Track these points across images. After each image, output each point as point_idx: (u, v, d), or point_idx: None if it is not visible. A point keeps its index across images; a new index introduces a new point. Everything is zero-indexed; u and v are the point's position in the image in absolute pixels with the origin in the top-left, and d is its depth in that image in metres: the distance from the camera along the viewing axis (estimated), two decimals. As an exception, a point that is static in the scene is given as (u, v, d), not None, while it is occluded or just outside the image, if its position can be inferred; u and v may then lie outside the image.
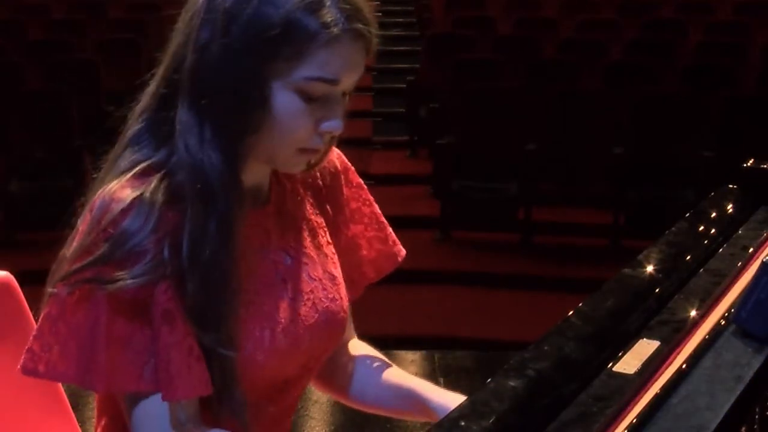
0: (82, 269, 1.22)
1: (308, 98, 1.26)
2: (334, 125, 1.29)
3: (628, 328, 1.15)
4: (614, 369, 1.05)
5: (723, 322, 1.19)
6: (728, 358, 1.11)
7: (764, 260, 1.14)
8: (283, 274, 1.37)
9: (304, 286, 1.39)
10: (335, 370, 1.55)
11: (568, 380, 1.02)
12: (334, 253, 1.46)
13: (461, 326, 5.00)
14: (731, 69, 7.03)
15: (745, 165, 1.64)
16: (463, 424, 0.91)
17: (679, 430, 0.97)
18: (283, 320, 1.34)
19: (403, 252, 1.56)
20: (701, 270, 1.34)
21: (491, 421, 0.92)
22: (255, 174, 1.35)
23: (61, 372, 1.25)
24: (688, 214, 1.55)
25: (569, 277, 5.36)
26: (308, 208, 1.45)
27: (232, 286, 1.26)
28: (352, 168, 1.53)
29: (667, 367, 1.08)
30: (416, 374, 1.54)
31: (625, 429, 0.96)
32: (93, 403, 1.42)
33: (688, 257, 1.37)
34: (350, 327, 1.56)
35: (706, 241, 1.43)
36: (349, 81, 1.28)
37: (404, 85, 8.38)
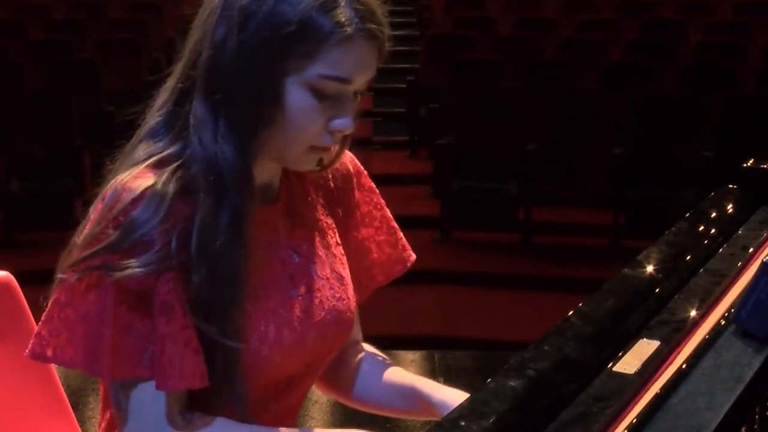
0: (92, 256, 1.23)
1: (321, 96, 1.28)
2: (345, 123, 1.31)
3: (628, 328, 1.15)
4: (614, 369, 1.05)
5: (723, 322, 1.19)
6: (728, 358, 1.11)
7: (764, 260, 1.15)
8: (291, 271, 1.38)
9: (312, 284, 1.39)
10: (342, 370, 1.55)
11: (568, 380, 1.02)
12: (342, 254, 1.47)
13: (461, 326, 5.00)
14: (731, 69, 7.04)
15: (745, 165, 1.65)
16: (463, 424, 0.91)
17: (679, 430, 0.97)
18: (288, 316, 1.35)
19: (413, 257, 1.57)
20: (701, 270, 1.34)
21: (491, 421, 0.92)
22: (266, 171, 1.36)
23: (69, 357, 1.26)
24: (688, 214, 1.55)
25: (569, 277, 5.36)
26: (318, 209, 1.46)
27: (240, 278, 1.27)
28: (365, 172, 1.54)
29: (667, 367, 1.08)
30: (416, 374, 1.53)
31: (625, 429, 0.96)
32: (93, 403, 1.43)
33: (688, 257, 1.37)
34: (358, 328, 1.56)
35: (706, 241, 1.43)
36: (361, 80, 1.30)
37: (404, 85, 8.37)
